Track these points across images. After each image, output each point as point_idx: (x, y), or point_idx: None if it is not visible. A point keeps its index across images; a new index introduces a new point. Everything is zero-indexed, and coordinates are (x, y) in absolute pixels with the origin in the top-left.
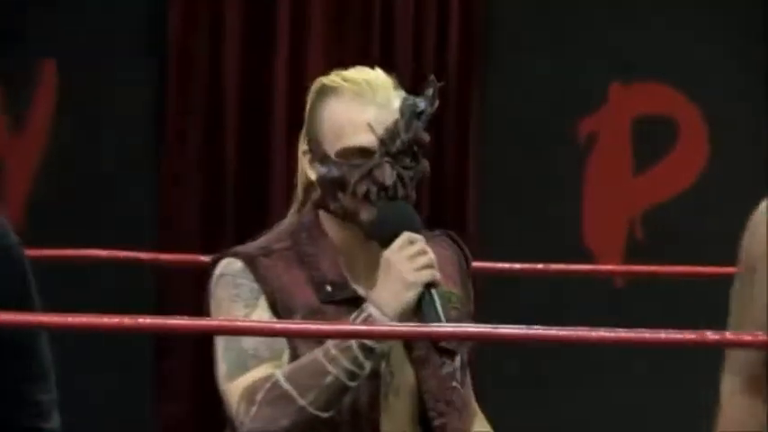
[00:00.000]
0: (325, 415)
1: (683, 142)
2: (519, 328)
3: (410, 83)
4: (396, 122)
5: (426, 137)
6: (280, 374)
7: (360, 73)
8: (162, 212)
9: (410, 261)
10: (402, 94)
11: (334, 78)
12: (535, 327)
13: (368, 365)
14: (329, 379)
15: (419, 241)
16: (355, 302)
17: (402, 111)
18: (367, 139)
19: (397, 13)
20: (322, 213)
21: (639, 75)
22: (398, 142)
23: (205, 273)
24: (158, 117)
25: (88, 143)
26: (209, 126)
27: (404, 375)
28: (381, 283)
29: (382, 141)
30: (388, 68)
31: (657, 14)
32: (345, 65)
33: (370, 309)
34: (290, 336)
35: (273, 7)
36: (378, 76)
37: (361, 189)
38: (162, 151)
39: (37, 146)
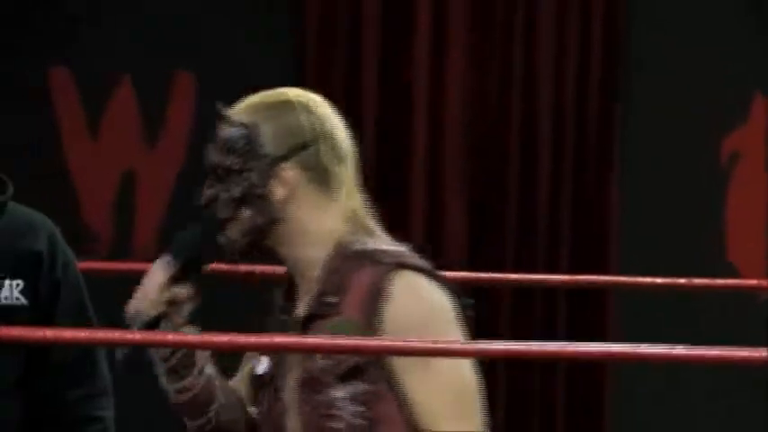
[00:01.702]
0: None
1: None
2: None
3: (552, 96)
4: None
5: (217, 160)
6: None
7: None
8: None
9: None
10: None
11: None
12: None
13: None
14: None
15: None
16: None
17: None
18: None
19: (540, 26)
20: None
21: None
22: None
23: None
24: None
25: None
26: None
27: (291, 396)
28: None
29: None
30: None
31: None
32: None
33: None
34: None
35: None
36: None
37: None
38: None
39: (173, 159)
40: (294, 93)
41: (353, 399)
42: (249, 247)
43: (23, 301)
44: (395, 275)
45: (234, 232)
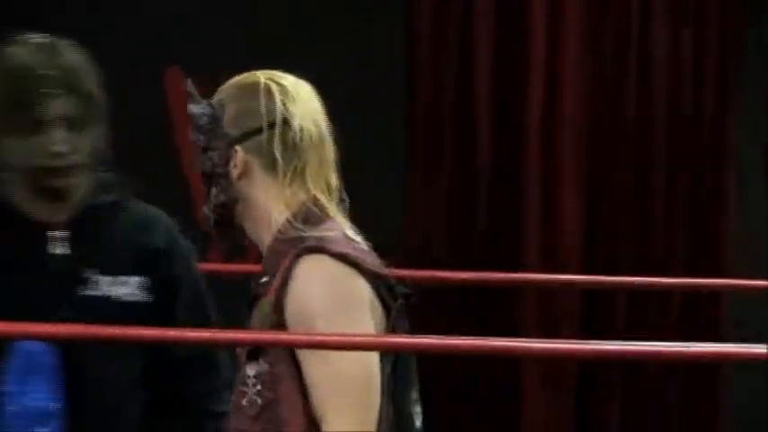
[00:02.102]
0: None
1: None
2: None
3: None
4: None
5: (191, 137)
6: None
7: None
8: (407, 215)
9: None
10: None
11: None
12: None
13: None
14: None
15: None
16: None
17: None
18: None
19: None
20: None
21: None
22: None
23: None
24: (407, 122)
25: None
26: (460, 126)
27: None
28: None
29: None
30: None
31: None
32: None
33: None
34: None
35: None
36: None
37: None
38: (410, 162)
39: None
40: (267, 76)
41: (257, 377)
42: (219, 224)
43: (145, 297)
44: (302, 259)
45: (206, 208)
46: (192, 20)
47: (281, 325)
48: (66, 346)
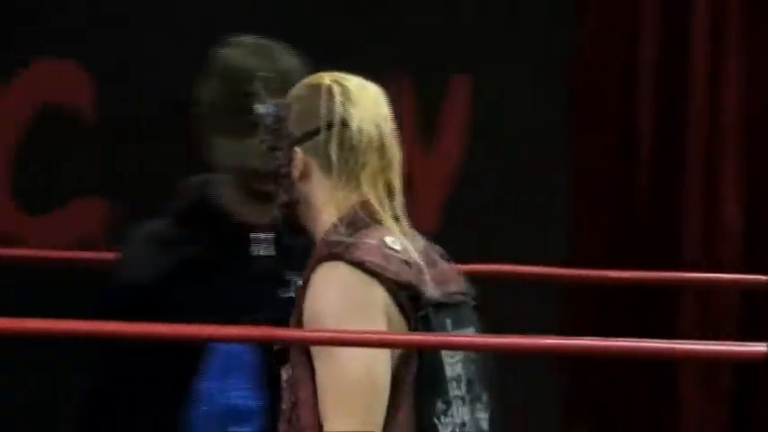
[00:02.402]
0: None
1: None
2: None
3: None
4: None
5: (261, 137)
6: None
7: None
8: (572, 227)
9: None
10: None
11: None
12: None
13: None
14: None
15: None
16: None
17: None
18: None
19: None
20: None
21: None
22: None
23: (611, 290)
24: (567, 130)
25: (501, 160)
26: (620, 138)
27: None
28: None
29: None
30: None
31: None
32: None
33: None
34: None
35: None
36: None
37: None
38: (570, 165)
39: (449, 165)
40: (332, 77)
41: (287, 381)
42: (286, 223)
43: None
44: (321, 266)
45: (274, 207)
46: None
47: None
48: (265, 346)
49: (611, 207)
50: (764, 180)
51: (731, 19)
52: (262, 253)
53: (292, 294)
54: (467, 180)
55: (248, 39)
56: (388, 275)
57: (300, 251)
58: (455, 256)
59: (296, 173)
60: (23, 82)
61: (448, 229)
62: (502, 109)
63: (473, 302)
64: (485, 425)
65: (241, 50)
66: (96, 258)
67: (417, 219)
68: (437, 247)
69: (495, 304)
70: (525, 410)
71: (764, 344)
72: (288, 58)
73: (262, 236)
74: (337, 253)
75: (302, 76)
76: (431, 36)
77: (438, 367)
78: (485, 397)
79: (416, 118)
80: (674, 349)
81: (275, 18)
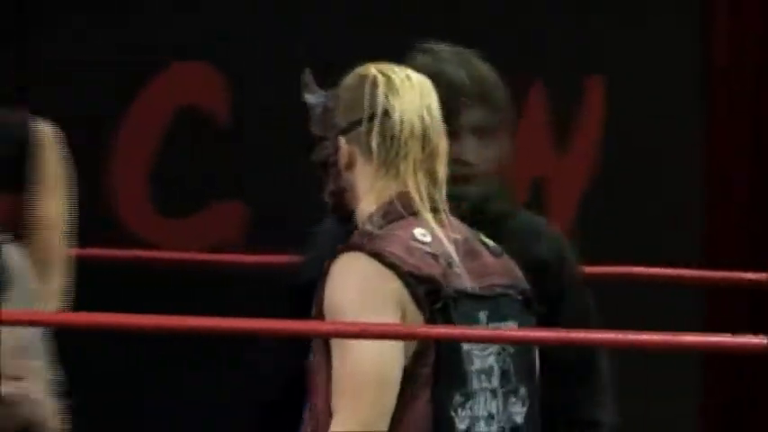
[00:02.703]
0: None
1: None
2: None
3: None
4: None
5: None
6: None
7: None
8: (708, 229)
9: None
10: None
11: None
12: None
13: None
14: None
15: None
16: None
17: None
18: None
19: None
20: None
21: None
22: None
23: (753, 293)
24: (700, 131)
25: (633, 160)
26: (753, 139)
27: None
28: None
29: None
30: None
31: None
32: None
33: None
34: None
35: None
36: None
37: None
38: (704, 165)
39: (583, 165)
40: (379, 68)
41: (311, 368)
42: (336, 211)
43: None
44: (341, 257)
45: (325, 195)
46: None
47: (321, 318)
48: None
49: (745, 207)
50: None
51: None
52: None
53: None
54: (601, 181)
55: (442, 46)
56: (407, 268)
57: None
58: (590, 255)
59: (342, 162)
60: (160, 85)
61: (582, 229)
62: (634, 110)
63: (520, 296)
64: (519, 419)
65: (436, 57)
66: (235, 261)
67: (552, 219)
68: (491, 243)
69: (632, 304)
70: (661, 409)
71: (765, 336)
72: (483, 66)
73: None
74: (359, 244)
75: (498, 84)
76: (563, 37)
77: (456, 359)
78: (522, 390)
79: (550, 119)
80: (679, 341)
81: (408, 17)
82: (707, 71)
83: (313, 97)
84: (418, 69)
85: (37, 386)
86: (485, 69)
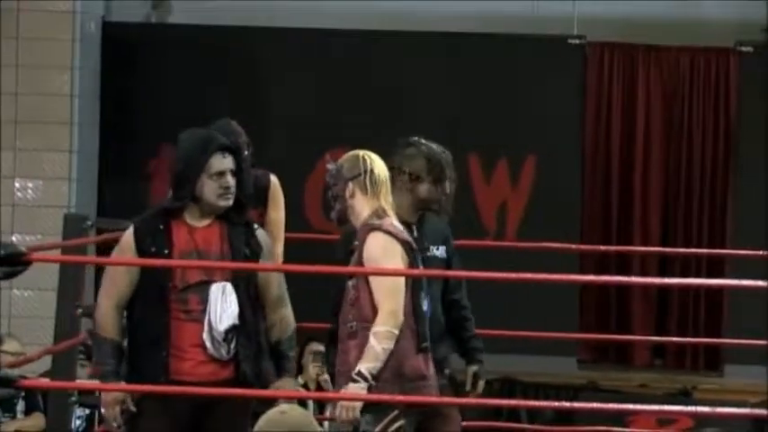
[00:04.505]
0: None
1: None
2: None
3: None
4: None
5: (328, 182)
6: None
7: None
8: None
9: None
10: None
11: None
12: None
13: None
14: None
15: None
16: None
17: None
18: None
19: None
20: None
21: None
22: None
23: None
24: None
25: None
26: None
27: None
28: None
29: None
30: None
31: None
32: None
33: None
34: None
35: None
36: None
37: None
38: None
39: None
40: (363, 152)
41: (352, 287)
42: (339, 220)
43: (445, 255)
44: (371, 234)
45: (332, 212)
46: None
47: (362, 265)
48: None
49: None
50: None
51: None
52: (414, 235)
53: (430, 254)
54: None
55: (423, 141)
56: (401, 237)
57: (429, 233)
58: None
59: (347, 194)
60: None
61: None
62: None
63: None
64: (425, 307)
65: (431, 147)
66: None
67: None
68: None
69: None
70: None
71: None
72: (445, 152)
73: (414, 226)
74: (376, 226)
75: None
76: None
77: (418, 281)
78: (428, 295)
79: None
80: (687, 284)
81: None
82: None
83: (330, 166)
84: (427, 152)
85: None
86: (448, 155)
